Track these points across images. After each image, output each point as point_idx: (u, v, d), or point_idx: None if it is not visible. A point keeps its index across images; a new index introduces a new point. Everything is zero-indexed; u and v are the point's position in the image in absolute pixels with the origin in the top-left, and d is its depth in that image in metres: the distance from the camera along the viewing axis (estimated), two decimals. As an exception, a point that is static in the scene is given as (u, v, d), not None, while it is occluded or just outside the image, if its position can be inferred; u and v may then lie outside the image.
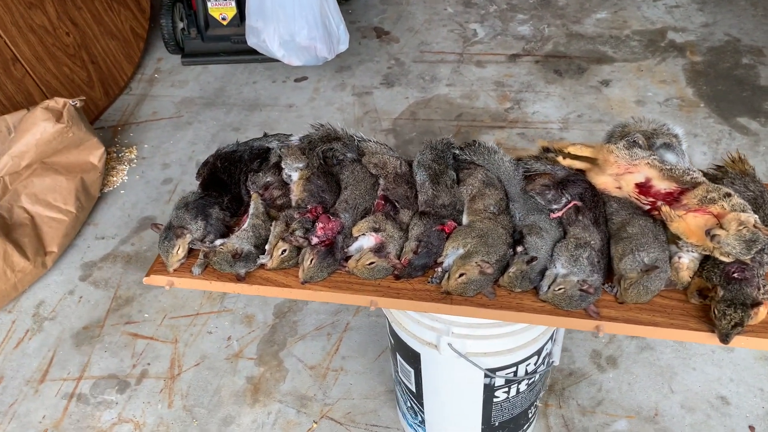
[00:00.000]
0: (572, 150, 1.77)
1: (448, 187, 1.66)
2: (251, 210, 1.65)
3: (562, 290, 1.46)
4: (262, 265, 1.60)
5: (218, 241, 1.61)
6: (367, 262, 1.54)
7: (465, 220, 1.63)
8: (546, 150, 1.87)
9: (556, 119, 3.47)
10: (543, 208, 1.63)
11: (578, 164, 1.76)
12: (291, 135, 1.92)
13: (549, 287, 1.48)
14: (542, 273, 1.52)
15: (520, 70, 3.86)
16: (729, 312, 1.37)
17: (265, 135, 1.95)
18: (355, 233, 1.60)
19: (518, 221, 1.62)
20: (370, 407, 2.27)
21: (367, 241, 1.59)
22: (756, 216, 1.39)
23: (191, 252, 1.64)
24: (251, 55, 3.71)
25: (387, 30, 4.29)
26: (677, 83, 3.67)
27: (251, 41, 3.32)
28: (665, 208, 1.47)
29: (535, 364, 1.78)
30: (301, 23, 3.03)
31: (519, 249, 1.55)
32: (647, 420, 2.16)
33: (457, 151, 1.78)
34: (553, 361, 1.89)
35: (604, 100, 3.58)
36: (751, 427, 2.12)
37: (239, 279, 1.58)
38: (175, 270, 1.62)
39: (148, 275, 1.64)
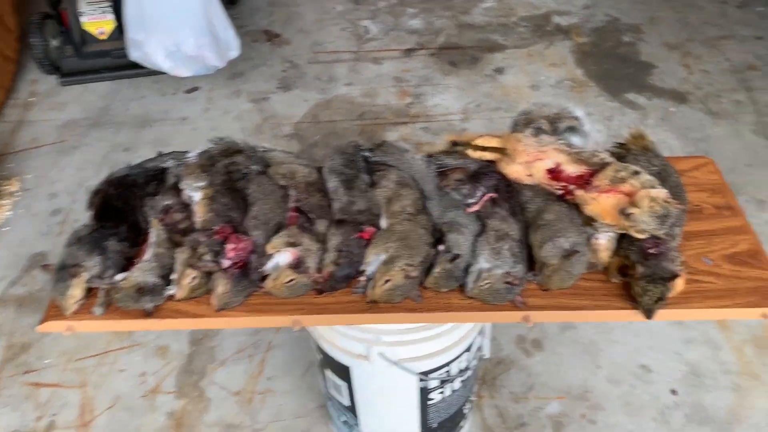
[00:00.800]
0: (480, 142, 1.76)
1: (362, 191, 1.60)
2: (152, 238, 1.52)
3: (488, 284, 1.44)
4: (171, 297, 1.48)
5: (119, 276, 1.47)
6: (286, 280, 1.46)
7: (384, 223, 1.57)
8: (454, 143, 1.85)
9: (456, 110, 3.49)
10: (459, 203, 1.61)
11: (488, 155, 1.75)
12: (187, 152, 1.79)
13: (475, 283, 1.45)
14: (467, 269, 1.49)
15: (417, 64, 3.86)
16: (650, 288, 1.40)
17: (160, 154, 1.81)
18: (269, 251, 1.50)
19: (437, 219, 1.59)
20: (303, 426, 2.18)
21: (283, 257, 1.50)
22: (665, 190, 1.42)
23: (90, 291, 1.49)
24: (136, 69, 3.50)
25: (277, 32, 4.18)
26: (566, 65, 3.79)
27: (134, 55, 3.12)
28: (579, 192, 1.47)
29: (467, 360, 1.76)
30: (186, 32, 2.88)
31: (441, 248, 1.51)
32: (578, 398, 2.20)
33: (367, 154, 1.72)
34: (483, 354, 1.88)
35: (500, 87, 3.64)
36: (673, 391, 2.20)
37: (147, 314, 1.45)
38: (73, 312, 1.47)
39: (42, 322, 1.48)
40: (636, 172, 1.46)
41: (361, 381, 1.72)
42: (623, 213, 1.40)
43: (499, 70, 3.77)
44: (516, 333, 2.41)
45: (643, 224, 1.38)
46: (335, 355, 1.68)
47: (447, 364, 1.69)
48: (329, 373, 1.79)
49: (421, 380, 1.68)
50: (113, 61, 3.67)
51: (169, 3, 2.80)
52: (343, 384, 1.76)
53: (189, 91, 3.69)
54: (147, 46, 2.92)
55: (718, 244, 1.59)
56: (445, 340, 1.62)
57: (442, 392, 1.77)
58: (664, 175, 1.63)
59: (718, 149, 3.18)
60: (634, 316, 1.45)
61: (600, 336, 2.37)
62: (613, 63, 3.79)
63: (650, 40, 3.97)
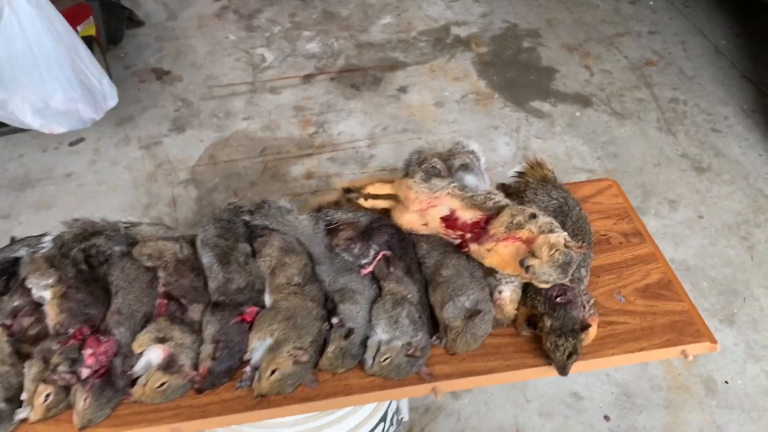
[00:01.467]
0: (372, 189, 1.62)
1: (241, 265, 1.43)
2: (-6, 354, 1.30)
3: (389, 360, 1.29)
4: (25, 420, 1.26)
5: (-44, 403, 1.24)
6: (157, 385, 1.27)
7: (267, 300, 1.40)
8: (347, 190, 1.70)
9: (362, 136, 3.35)
10: (352, 265, 1.45)
11: (382, 203, 1.61)
12: (44, 235, 1.57)
13: (374, 359, 1.30)
14: (364, 343, 1.34)
15: (318, 91, 3.70)
16: (561, 343, 1.28)
17: (12, 241, 1.58)
18: (136, 350, 1.31)
19: (328, 286, 1.43)
20: None
21: (154, 355, 1.31)
22: (564, 233, 1.31)
23: None
24: (5, 126, 3.19)
25: (167, 69, 3.93)
26: (469, 78, 3.71)
27: (-1, 114, 2.83)
28: (473, 247, 1.35)
29: (383, 430, 1.60)
30: (53, 86, 2.62)
31: (334, 320, 1.36)
32: (511, 439, 2.09)
33: (247, 218, 1.54)
34: (402, 418, 1.73)
35: (405, 107, 3.52)
36: (606, 417, 2.12)
37: (-6, 447, 1.23)
38: None
39: None
40: (533, 216, 1.34)
41: (267, 473, 1.53)
42: (523, 265, 1.28)
43: (403, 89, 3.66)
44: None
45: (545, 275, 1.27)
46: (233, 450, 1.49)
47: (360, 441, 1.54)
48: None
49: (334, 464, 1.52)
50: (-17, 119, 3.34)
51: (30, 56, 2.54)
52: (248, 476, 1.58)
53: (73, 144, 3.40)
54: (11, 104, 2.64)
55: (629, 277, 1.50)
56: (354, 419, 1.46)
57: (360, 469, 1.61)
58: (566, 209, 1.52)
59: (626, 151, 3.16)
60: (548, 372, 1.34)
61: (528, 365, 2.27)
62: (515, 71, 3.74)
63: (550, 44, 3.94)
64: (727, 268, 2.56)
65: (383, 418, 1.58)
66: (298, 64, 3.92)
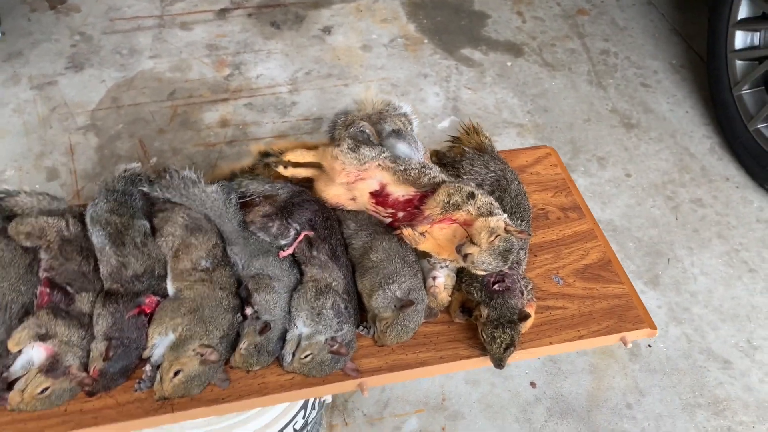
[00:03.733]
0: (292, 157, 1.44)
1: (138, 246, 1.24)
2: None
3: (310, 357, 1.16)
4: None
5: None
6: (39, 390, 1.09)
7: (170, 288, 1.23)
8: (265, 154, 1.52)
9: (283, 81, 3.11)
10: (270, 246, 1.29)
11: (303, 172, 1.43)
12: None
13: (294, 355, 1.17)
14: (283, 338, 1.19)
15: (233, 28, 3.39)
16: (498, 334, 1.18)
17: None
18: (12, 349, 1.12)
19: (241, 270, 1.27)
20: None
21: (36, 354, 1.12)
22: (504, 216, 1.20)
23: None
24: None
25: (62, -3, 3.50)
26: (398, 20, 3.50)
27: None
28: (407, 232, 1.21)
29: (304, 416, 1.49)
30: None
31: (248, 311, 1.20)
32: (436, 409, 2.03)
33: (145, 188, 1.34)
34: (324, 400, 1.62)
35: (330, 50, 3.29)
36: (533, 383, 2.09)
37: None
38: None
39: None
40: (471, 195, 1.21)
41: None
42: (460, 252, 1.16)
43: (327, 30, 3.41)
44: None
45: (484, 264, 1.15)
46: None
47: (281, 431, 1.41)
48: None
49: (250, 458, 1.39)
50: None
51: None
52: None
53: (-49, 80, 2.99)
54: None
55: (568, 256, 1.41)
56: (271, 413, 1.33)
57: (280, 458, 1.49)
58: (504, 183, 1.41)
59: (557, 104, 3.07)
60: (483, 363, 1.25)
61: (455, 331, 2.20)
62: (446, 15, 3.55)
63: (482, -14, 3.77)
64: (653, 228, 2.56)
65: (304, 406, 1.46)
66: (212, -4, 3.58)
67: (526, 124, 2.96)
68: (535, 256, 1.40)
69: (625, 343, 1.28)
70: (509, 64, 3.27)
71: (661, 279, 2.40)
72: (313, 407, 1.53)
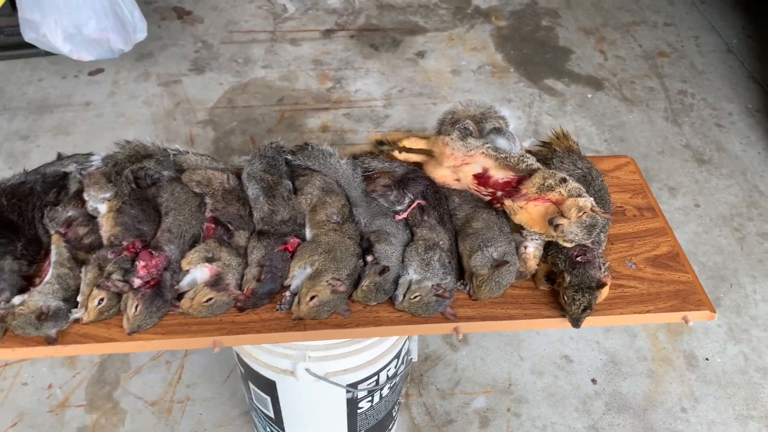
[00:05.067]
0: (407, 143, 1.71)
1: (285, 199, 1.52)
2: (53, 257, 1.38)
3: (418, 298, 1.40)
4: (78, 320, 1.35)
5: (17, 299, 1.33)
6: (204, 299, 1.36)
7: (308, 234, 1.50)
8: (380, 143, 1.79)
9: (378, 96, 3.42)
10: (387, 210, 1.55)
11: (415, 157, 1.70)
12: (91, 154, 1.64)
13: (404, 296, 1.41)
14: (396, 281, 1.44)
15: (337, 46, 3.75)
16: (578, 297, 1.40)
17: (60, 157, 1.65)
18: (185, 267, 1.40)
19: (364, 227, 1.53)
20: (227, 434, 2.11)
21: (200, 273, 1.40)
22: (591, 199, 1.42)
23: (-17, 316, 1.34)
24: (31, 48, 3.21)
25: (188, 9, 3.95)
26: (487, 50, 3.78)
27: (28, 36, 2.85)
28: (507, 202, 1.45)
29: (395, 366, 1.72)
30: (88, 13, 2.65)
31: (369, 258, 1.46)
32: (503, 392, 2.23)
33: (289, 157, 1.63)
34: (411, 358, 1.85)
35: (422, 72, 3.59)
36: (594, 380, 2.26)
37: (50, 342, 1.32)
38: (-38, 341, 1.32)
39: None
40: (563, 180, 1.44)
41: (288, 395, 1.65)
42: (552, 223, 1.39)
43: (421, 54, 3.72)
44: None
45: (572, 235, 1.38)
46: (260, 370, 1.60)
47: (376, 374, 1.65)
48: (253, 387, 1.71)
49: (349, 392, 1.64)
50: (5, 39, 3.36)
51: (67, -20, 2.56)
52: (268, 398, 1.69)
53: (93, 74, 3.43)
54: (43, 26, 2.66)
55: (641, 246, 1.61)
56: (374, 351, 1.57)
57: (370, 401, 1.73)
58: (589, 179, 1.63)
59: (633, 136, 3.27)
60: (562, 324, 1.45)
61: (523, 327, 2.41)
62: (532, 48, 3.81)
63: (567, 25, 4.02)
64: (717, 255, 2.70)
65: (397, 356, 1.69)
66: (319, 18, 3.96)
67: (602, 150, 3.16)
68: (612, 243, 1.61)
69: (686, 321, 1.47)
70: (590, 96, 3.49)
71: (723, 301, 2.54)
72: (402, 362, 1.77)
